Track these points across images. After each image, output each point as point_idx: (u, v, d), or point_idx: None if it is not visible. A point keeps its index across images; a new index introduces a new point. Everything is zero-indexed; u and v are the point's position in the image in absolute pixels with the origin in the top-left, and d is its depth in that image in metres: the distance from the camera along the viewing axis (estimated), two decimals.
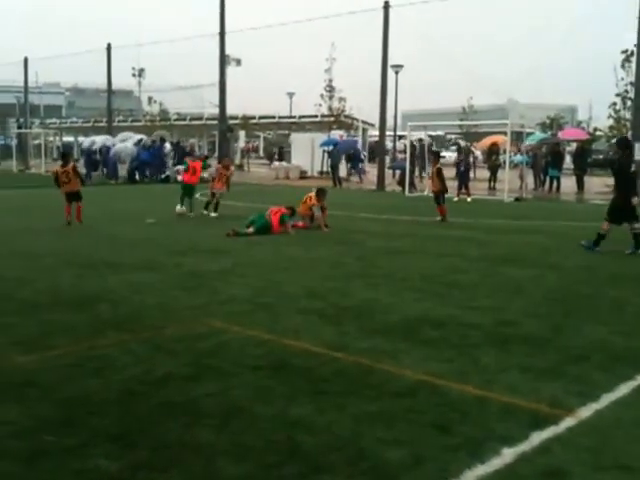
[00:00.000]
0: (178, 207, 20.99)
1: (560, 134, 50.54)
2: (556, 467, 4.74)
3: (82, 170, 38.71)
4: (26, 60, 58.87)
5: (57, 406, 5.73)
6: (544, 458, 4.87)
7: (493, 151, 38.80)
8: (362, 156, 45.09)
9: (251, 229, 16.59)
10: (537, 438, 5.16)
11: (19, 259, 12.87)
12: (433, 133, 58.07)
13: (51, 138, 67.75)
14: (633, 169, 14.69)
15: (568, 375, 6.61)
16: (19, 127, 65.29)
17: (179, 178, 28.99)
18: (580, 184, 34.90)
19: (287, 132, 55.25)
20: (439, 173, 20.72)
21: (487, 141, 41.74)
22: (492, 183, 36.27)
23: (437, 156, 22.92)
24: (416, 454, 4.87)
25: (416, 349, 7.39)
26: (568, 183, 35.12)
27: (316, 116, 49.37)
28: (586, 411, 5.73)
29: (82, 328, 8.08)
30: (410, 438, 5.13)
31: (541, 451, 4.98)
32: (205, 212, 21.01)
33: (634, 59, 30.38)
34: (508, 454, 4.89)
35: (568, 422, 5.49)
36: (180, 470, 4.65)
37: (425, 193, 31.98)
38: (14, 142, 57.01)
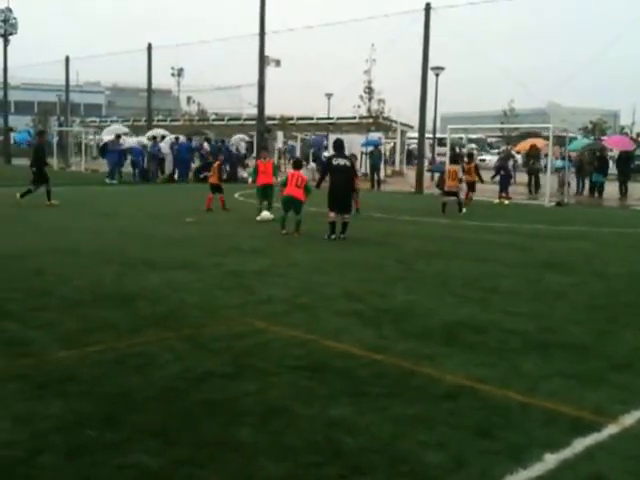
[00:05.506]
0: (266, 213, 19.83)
1: (605, 140, 49.85)
2: (599, 474, 4.69)
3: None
4: (67, 59, 59.42)
5: (98, 402, 5.76)
6: (587, 465, 4.82)
7: (531, 155, 38.14)
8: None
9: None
10: (580, 445, 5.10)
11: (59, 255, 12.97)
12: (474, 136, 57.71)
13: (91, 137, 68.39)
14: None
15: (611, 382, 6.53)
16: (60, 125, 66.15)
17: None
18: (623, 190, 34.51)
19: (325, 133, 55.15)
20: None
21: (526, 144, 41.14)
22: (531, 188, 35.84)
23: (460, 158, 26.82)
24: (457, 458, 4.84)
25: (457, 353, 7.34)
26: (611, 189, 34.72)
27: (354, 117, 49.25)
28: (629, 418, 5.67)
29: (122, 325, 8.13)
30: (451, 442, 5.10)
31: (584, 458, 4.92)
32: None
33: None
34: (550, 460, 4.84)
35: (611, 429, 5.43)
36: (220, 468, 4.66)
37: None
38: (55, 140, 57.62)
